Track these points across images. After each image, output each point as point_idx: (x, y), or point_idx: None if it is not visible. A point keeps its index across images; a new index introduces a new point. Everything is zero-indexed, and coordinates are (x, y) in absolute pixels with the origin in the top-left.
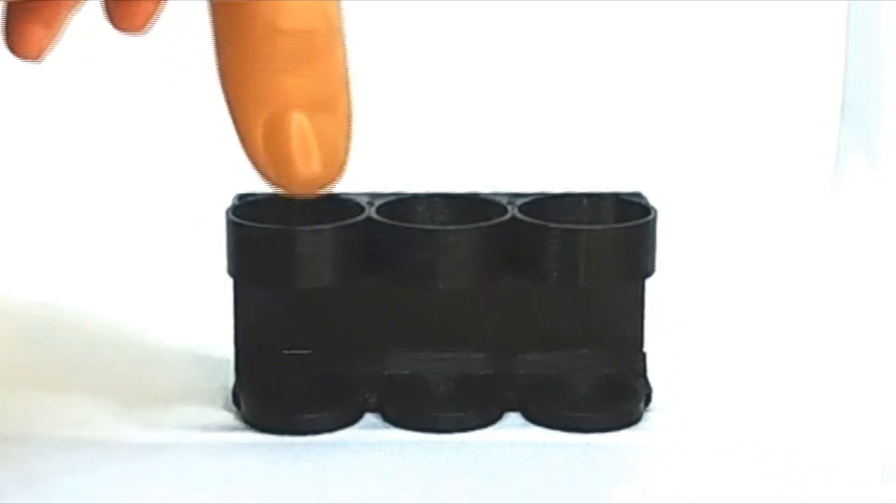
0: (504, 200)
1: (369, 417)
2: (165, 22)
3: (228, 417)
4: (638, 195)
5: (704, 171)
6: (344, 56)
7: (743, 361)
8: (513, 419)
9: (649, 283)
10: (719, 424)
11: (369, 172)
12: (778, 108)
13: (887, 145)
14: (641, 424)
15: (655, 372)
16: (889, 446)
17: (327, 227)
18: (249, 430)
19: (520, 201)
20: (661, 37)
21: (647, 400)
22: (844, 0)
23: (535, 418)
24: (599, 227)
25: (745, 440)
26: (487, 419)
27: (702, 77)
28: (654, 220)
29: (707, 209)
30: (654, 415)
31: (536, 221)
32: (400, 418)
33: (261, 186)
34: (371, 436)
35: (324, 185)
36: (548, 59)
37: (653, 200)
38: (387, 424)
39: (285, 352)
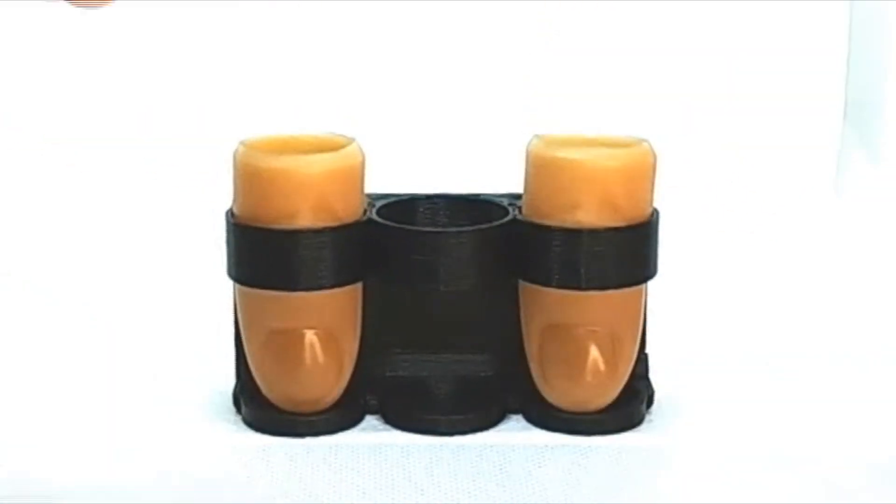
0: (505, 202)
1: (370, 420)
2: (167, 27)
3: (229, 420)
4: None
5: (706, 173)
6: None
7: (746, 363)
8: (514, 422)
9: (652, 285)
10: (721, 426)
11: (370, 174)
12: (780, 109)
13: (890, 145)
14: (644, 426)
15: (658, 374)
16: (893, 449)
17: (328, 229)
18: (250, 432)
19: (521, 202)
20: (663, 37)
21: (650, 402)
22: (847, 0)
23: (536, 421)
24: (601, 227)
25: (747, 442)
26: (489, 422)
27: (703, 77)
28: (657, 221)
29: (709, 210)
30: (657, 417)
31: (538, 222)
32: (401, 421)
33: None
34: (372, 438)
35: None
36: (548, 59)
37: (655, 202)
38: (388, 427)
39: None
